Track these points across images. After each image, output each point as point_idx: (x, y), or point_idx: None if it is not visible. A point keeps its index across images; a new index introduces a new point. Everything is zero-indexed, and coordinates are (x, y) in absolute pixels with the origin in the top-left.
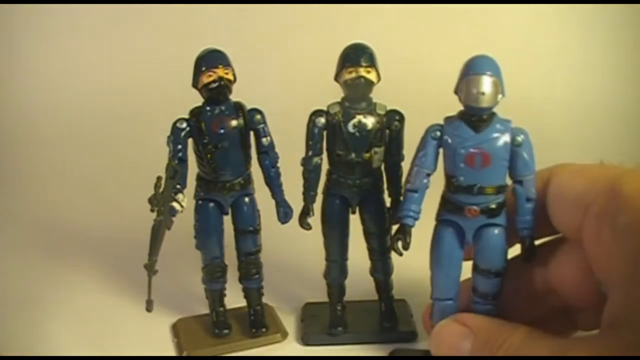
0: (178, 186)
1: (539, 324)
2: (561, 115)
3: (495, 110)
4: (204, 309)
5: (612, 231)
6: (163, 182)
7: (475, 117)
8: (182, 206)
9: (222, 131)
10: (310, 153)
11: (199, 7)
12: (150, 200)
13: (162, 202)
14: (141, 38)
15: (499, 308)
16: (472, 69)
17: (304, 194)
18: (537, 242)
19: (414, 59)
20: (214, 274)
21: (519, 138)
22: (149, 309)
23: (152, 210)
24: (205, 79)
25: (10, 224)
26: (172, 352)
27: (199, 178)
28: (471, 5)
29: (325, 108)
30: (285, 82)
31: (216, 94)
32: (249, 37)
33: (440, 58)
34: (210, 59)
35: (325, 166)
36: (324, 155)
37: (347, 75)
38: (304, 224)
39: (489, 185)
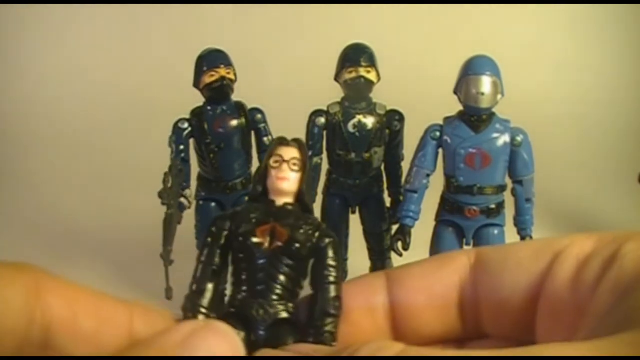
0: (184, 184)
1: None
2: (561, 115)
3: (494, 110)
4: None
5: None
6: (170, 178)
7: (475, 117)
8: (189, 202)
9: (224, 131)
10: (310, 153)
11: (200, 8)
12: (160, 195)
13: (171, 197)
14: (142, 39)
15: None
16: (472, 69)
17: None
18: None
19: (414, 59)
20: None
21: (519, 138)
22: (168, 296)
23: (163, 204)
24: (208, 79)
25: (10, 224)
26: None
27: (200, 178)
28: (471, 6)
29: (325, 108)
30: (285, 82)
31: (219, 94)
32: (249, 37)
33: (440, 58)
34: (212, 59)
35: (325, 166)
36: (324, 155)
37: (347, 75)
38: None
39: (489, 186)
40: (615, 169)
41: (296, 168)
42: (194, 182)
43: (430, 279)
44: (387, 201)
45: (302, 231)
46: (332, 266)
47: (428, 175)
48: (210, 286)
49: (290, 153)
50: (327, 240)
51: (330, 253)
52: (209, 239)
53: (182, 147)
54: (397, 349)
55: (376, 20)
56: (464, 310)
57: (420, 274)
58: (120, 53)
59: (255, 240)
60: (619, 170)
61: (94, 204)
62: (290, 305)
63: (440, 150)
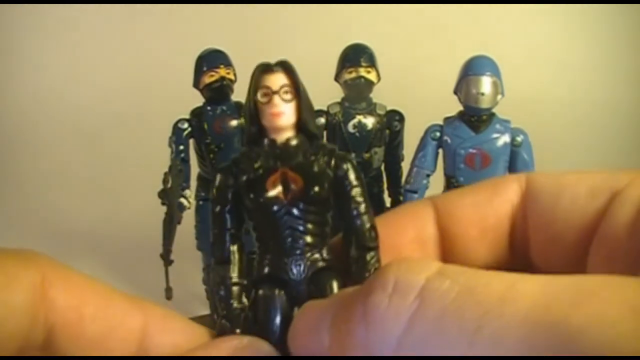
0: (184, 184)
1: None
2: (561, 115)
3: (495, 110)
4: (205, 310)
5: None
6: (170, 178)
7: (475, 117)
8: (189, 202)
9: (224, 131)
10: None
11: (200, 8)
12: (160, 195)
13: (171, 197)
14: (142, 39)
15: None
16: (472, 69)
17: None
18: None
19: (414, 59)
20: None
21: (519, 138)
22: (168, 296)
23: (162, 204)
24: (207, 79)
25: (10, 223)
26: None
27: (200, 178)
28: (471, 6)
29: (325, 108)
30: None
31: (218, 94)
32: (249, 37)
33: (440, 58)
34: (212, 59)
35: None
36: None
37: (347, 75)
38: None
39: None
40: (615, 168)
41: (289, 97)
42: (194, 182)
43: (483, 210)
44: (387, 201)
45: (315, 168)
46: (357, 194)
47: (428, 176)
48: (234, 250)
49: (278, 80)
50: (345, 167)
51: (352, 180)
52: (215, 201)
53: (182, 147)
54: (433, 268)
55: (376, 20)
56: (514, 241)
57: (471, 205)
58: (119, 53)
59: (268, 194)
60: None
61: (94, 203)
62: (324, 250)
63: (440, 151)
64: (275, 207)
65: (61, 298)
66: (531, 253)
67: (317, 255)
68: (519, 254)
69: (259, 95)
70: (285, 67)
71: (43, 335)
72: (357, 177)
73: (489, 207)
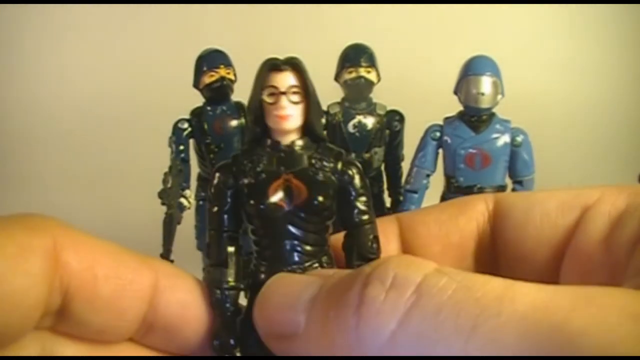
0: (184, 184)
1: None
2: (561, 115)
3: (495, 110)
4: None
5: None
6: (170, 178)
7: (475, 117)
8: (189, 202)
9: (224, 131)
10: None
11: (200, 8)
12: (160, 195)
13: (171, 197)
14: (142, 38)
15: None
16: (472, 69)
17: None
18: None
19: (414, 59)
20: None
21: (519, 138)
22: None
23: (162, 204)
24: (208, 79)
25: None
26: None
27: (200, 178)
28: (471, 6)
29: (325, 108)
30: None
31: (219, 94)
32: (249, 37)
33: (440, 58)
34: (212, 59)
35: None
36: None
37: (347, 75)
38: None
39: (489, 186)
40: (615, 169)
41: (297, 99)
42: (194, 182)
43: (446, 227)
44: (387, 201)
45: (320, 176)
46: (362, 203)
47: (428, 176)
48: (231, 252)
49: (286, 80)
50: (351, 173)
51: (358, 187)
52: (212, 200)
53: (182, 147)
54: (432, 266)
55: (376, 20)
56: (481, 260)
57: (435, 222)
58: (119, 53)
59: (269, 201)
60: (619, 171)
61: (94, 203)
62: (324, 258)
63: (441, 151)
64: (276, 215)
65: (74, 261)
66: (500, 272)
67: (316, 265)
68: (486, 273)
69: (264, 95)
70: (295, 66)
71: (60, 300)
72: (363, 185)
73: (453, 225)
